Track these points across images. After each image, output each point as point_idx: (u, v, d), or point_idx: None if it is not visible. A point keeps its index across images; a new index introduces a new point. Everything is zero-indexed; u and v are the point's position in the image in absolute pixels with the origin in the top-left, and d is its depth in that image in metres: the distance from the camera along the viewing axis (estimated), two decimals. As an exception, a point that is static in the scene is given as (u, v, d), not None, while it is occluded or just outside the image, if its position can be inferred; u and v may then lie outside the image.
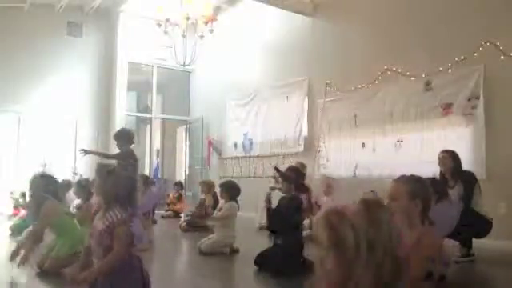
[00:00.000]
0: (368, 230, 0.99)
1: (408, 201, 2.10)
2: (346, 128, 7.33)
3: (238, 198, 5.25)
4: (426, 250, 2.01)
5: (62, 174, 7.20)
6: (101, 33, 10.91)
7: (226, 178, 9.01)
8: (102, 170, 2.47)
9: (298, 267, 3.88)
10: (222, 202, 5.30)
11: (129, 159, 5.48)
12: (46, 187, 3.90)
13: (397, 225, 1.07)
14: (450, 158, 4.58)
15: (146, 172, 12.37)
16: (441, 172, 4.61)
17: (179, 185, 9.78)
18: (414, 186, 2.15)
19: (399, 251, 1.04)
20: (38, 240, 3.72)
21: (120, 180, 2.41)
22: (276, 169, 4.55)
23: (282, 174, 4.37)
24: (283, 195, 4.30)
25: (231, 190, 5.23)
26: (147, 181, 6.70)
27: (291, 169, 4.83)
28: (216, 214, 5.23)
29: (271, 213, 4.28)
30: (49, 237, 4.09)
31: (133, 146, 5.76)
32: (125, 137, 5.73)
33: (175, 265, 4.69)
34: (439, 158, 4.65)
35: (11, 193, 7.01)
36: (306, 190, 5.68)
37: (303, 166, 6.61)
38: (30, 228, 5.48)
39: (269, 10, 8.79)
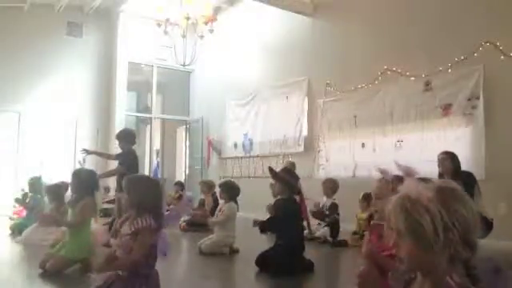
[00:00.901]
0: (443, 214, 1.04)
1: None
2: (345, 128, 7.34)
3: (238, 198, 5.25)
4: None
5: (61, 174, 7.21)
6: (101, 33, 10.90)
7: (226, 178, 9.02)
8: (130, 183, 2.48)
9: (298, 268, 3.89)
10: (221, 202, 5.30)
11: (129, 158, 5.49)
12: (87, 183, 3.91)
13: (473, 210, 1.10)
14: (449, 159, 4.59)
15: (146, 172, 12.39)
16: (440, 173, 4.61)
17: (179, 185, 9.76)
18: (397, 184, 2.12)
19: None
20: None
21: (144, 189, 2.43)
22: (270, 169, 4.52)
23: (276, 175, 4.32)
24: (278, 197, 4.27)
25: (230, 190, 5.23)
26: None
27: (285, 170, 4.80)
28: (217, 214, 5.23)
29: (269, 218, 4.26)
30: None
31: (134, 146, 5.76)
32: (126, 137, 5.73)
33: (175, 265, 4.68)
34: (438, 159, 4.66)
35: (16, 199, 6.98)
36: (298, 191, 5.64)
37: (294, 165, 6.60)
38: (30, 228, 5.51)
39: (269, 10, 8.79)
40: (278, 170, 4.65)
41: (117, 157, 5.73)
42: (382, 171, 2.31)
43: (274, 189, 4.33)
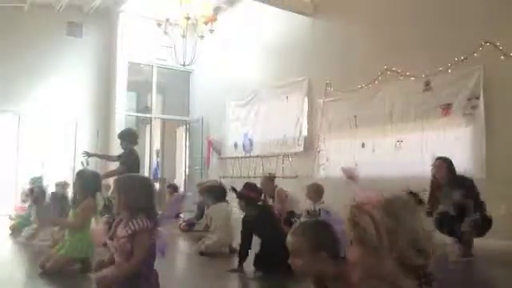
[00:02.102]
0: (387, 222, 1.06)
1: (310, 256, 1.75)
2: (345, 128, 7.33)
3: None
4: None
5: (61, 174, 7.25)
6: (101, 33, 10.90)
7: (226, 178, 9.03)
8: (121, 184, 2.46)
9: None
10: (210, 207, 5.34)
11: (130, 159, 5.50)
12: (91, 184, 3.92)
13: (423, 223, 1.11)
14: (445, 164, 4.59)
15: (146, 172, 12.40)
16: (434, 177, 4.61)
17: (172, 187, 9.60)
18: (313, 236, 1.78)
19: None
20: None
21: (137, 189, 2.39)
22: (233, 189, 4.44)
23: (238, 194, 4.28)
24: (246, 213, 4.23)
25: (214, 194, 5.22)
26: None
27: (247, 187, 4.66)
28: (208, 220, 5.22)
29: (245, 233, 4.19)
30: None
31: (135, 146, 5.78)
32: (128, 136, 5.78)
33: (175, 265, 4.68)
34: (435, 165, 4.65)
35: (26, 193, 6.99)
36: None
37: (271, 177, 6.48)
38: (30, 228, 5.52)
39: (269, 10, 8.79)
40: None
41: (118, 157, 5.74)
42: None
43: (240, 206, 4.27)
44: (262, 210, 4.27)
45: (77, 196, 4.01)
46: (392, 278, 1.07)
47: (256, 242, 4.51)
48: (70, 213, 4.04)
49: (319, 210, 5.84)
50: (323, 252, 1.72)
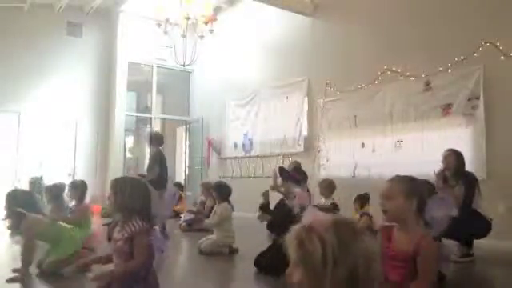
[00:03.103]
0: (335, 247, 1.00)
1: (403, 200, 2.06)
2: (345, 128, 7.33)
3: (238, 198, 5.25)
4: (429, 253, 1.99)
5: (60, 175, 7.24)
6: (101, 33, 10.90)
7: (226, 178, 9.03)
8: (117, 185, 2.45)
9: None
10: (216, 205, 5.30)
11: (156, 160, 6.01)
12: (22, 202, 3.87)
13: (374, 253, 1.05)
14: (454, 155, 4.57)
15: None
16: (443, 170, 4.59)
17: (178, 185, 9.75)
18: (409, 185, 2.11)
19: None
20: (32, 251, 3.72)
21: (131, 190, 2.37)
22: (281, 169, 4.47)
23: (288, 175, 4.28)
24: (287, 195, 4.24)
25: (222, 191, 5.21)
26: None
27: (296, 169, 4.76)
28: (212, 216, 5.21)
29: (273, 216, 4.23)
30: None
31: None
32: (153, 139, 6.36)
33: (175, 265, 4.68)
34: (443, 156, 4.64)
35: None
36: (306, 190, 5.67)
37: (299, 164, 6.59)
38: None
39: (269, 10, 8.79)
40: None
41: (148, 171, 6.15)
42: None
43: (285, 188, 4.26)
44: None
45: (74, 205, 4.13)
46: None
47: (256, 242, 4.54)
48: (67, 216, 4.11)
49: (331, 204, 5.89)
50: (414, 200, 2.05)
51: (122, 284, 2.23)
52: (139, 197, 2.36)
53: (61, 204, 5.08)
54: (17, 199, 3.90)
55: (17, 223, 3.81)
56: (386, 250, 2.16)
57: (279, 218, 4.06)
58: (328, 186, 6.08)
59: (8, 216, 4.04)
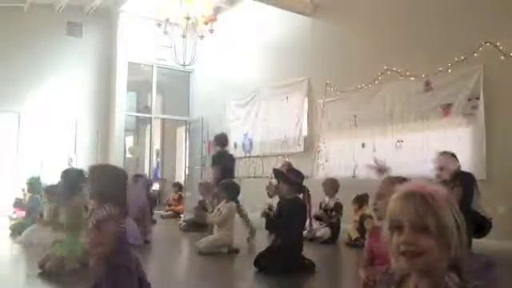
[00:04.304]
0: (454, 213, 1.08)
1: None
2: (345, 128, 7.33)
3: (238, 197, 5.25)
4: None
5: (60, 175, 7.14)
6: (101, 33, 10.90)
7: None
8: (94, 171, 2.46)
9: (295, 267, 3.88)
10: (222, 202, 5.27)
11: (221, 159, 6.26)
12: (77, 181, 3.92)
13: None
14: (447, 158, 4.57)
15: (146, 172, 12.39)
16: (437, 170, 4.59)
17: (177, 186, 9.75)
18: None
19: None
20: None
21: (107, 177, 2.38)
22: (275, 170, 4.48)
23: (283, 176, 4.29)
24: (285, 196, 4.23)
25: (231, 191, 5.22)
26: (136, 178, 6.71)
27: (291, 170, 4.78)
28: (216, 213, 5.21)
29: (273, 219, 4.23)
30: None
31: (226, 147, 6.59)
32: (217, 140, 6.70)
33: (174, 264, 4.68)
34: (437, 159, 4.63)
35: (14, 203, 7.00)
36: (303, 190, 5.64)
37: (290, 165, 6.56)
38: (30, 228, 5.51)
39: (269, 10, 8.79)
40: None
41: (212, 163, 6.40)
42: (376, 164, 2.31)
43: (282, 189, 4.26)
44: (297, 201, 4.20)
45: (65, 195, 4.05)
46: (442, 272, 1.08)
47: (256, 242, 4.54)
48: (61, 210, 4.07)
49: (334, 203, 5.92)
50: None
51: (106, 274, 2.22)
52: (113, 184, 2.36)
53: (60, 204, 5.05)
54: (73, 177, 3.97)
55: (66, 198, 3.90)
56: (375, 249, 2.18)
57: (284, 217, 4.05)
58: (332, 185, 6.11)
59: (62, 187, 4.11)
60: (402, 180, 2.16)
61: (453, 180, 4.46)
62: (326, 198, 6.12)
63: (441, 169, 4.50)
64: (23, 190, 7.41)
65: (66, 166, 7.39)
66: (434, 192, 1.09)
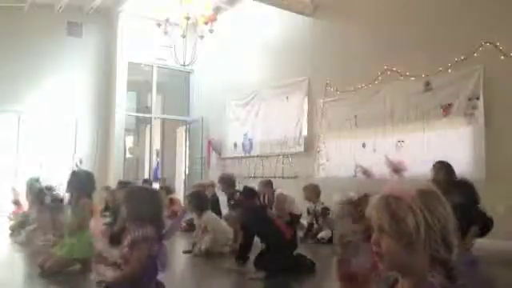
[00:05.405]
0: (425, 213, 1.07)
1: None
2: (346, 128, 7.33)
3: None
4: None
5: (61, 175, 7.17)
6: (101, 33, 10.90)
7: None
8: (128, 195, 2.45)
9: (292, 266, 3.88)
10: (195, 217, 5.20)
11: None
12: (85, 184, 3.94)
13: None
14: (444, 169, 4.59)
15: (146, 172, 12.39)
16: (434, 180, 4.59)
17: (165, 189, 9.37)
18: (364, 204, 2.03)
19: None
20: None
21: (146, 199, 2.38)
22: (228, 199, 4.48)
23: (235, 203, 4.38)
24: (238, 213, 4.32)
25: (199, 201, 5.12)
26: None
27: (243, 193, 4.74)
28: (197, 233, 5.13)
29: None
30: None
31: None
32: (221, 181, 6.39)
33: (174, 264, 4.68)
34: (434, 168, 4.65)
35: (13, 189, 7.03)
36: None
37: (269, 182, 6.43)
38: (30, 228, 5.51)
39: (269, 10, 8.79)
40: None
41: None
42: (364, 171, 2.29)
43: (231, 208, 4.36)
44: (259, 213, 4.28)
45: (72, 196, 4.02)
46: (421, 273, 1.08)
47: (256, 242, 4.51)
48: (68, 212, 4.05)
49: (321, 208, 5.88)
50: None
51: None
52: (149, 206, 2.36)
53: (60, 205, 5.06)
54: (82, 178, 3.99)
55: (75, 200, 3.91)
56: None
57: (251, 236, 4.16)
58: (313, 190, 6.08)
59: (69, 192, 4.11)
60: (365, 199, 2.13)
61: (446, 190, 4.43)
62: (311, 204, 6.09)
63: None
64: (14, 190, 7.39)
65: (74, 168, 7.39)
66: (400, 193, 1.10)
